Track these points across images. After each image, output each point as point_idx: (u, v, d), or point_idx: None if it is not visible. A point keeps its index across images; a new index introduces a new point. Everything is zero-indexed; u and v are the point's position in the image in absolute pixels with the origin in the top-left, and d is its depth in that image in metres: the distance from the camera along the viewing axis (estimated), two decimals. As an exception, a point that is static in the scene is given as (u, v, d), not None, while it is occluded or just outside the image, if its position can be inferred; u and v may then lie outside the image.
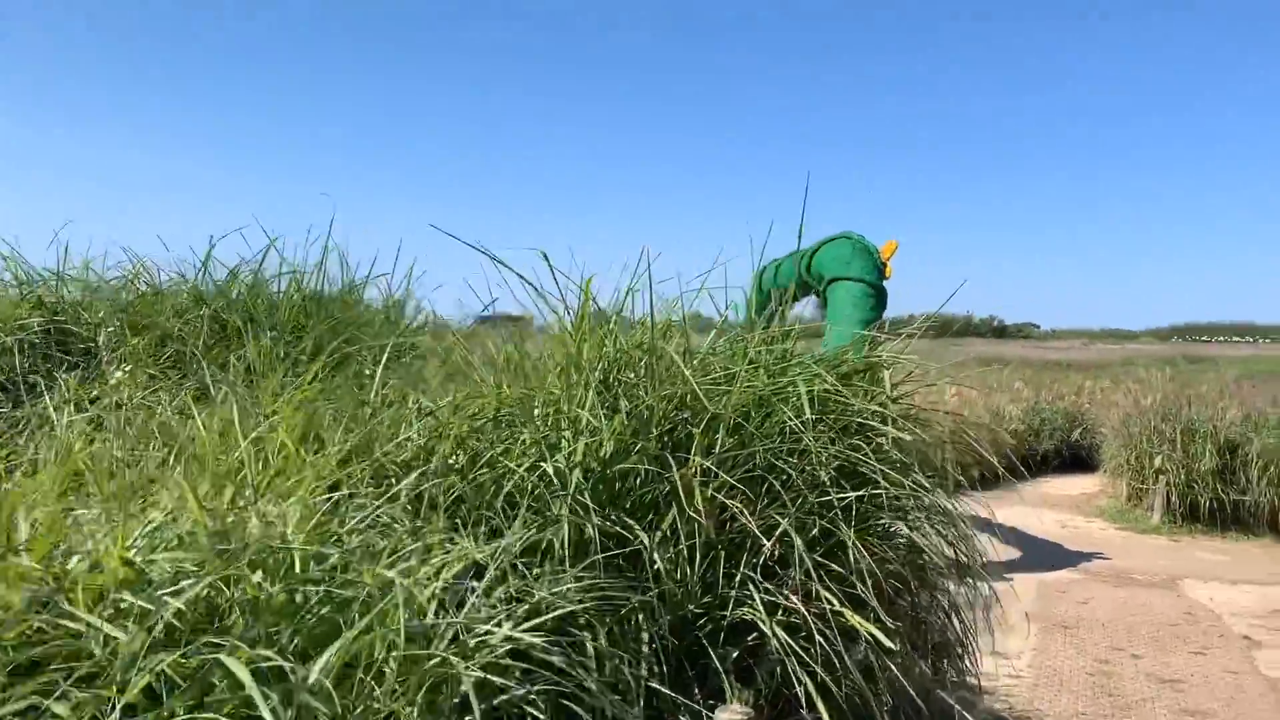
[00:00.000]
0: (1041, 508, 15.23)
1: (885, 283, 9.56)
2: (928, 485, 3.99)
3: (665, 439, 3.33)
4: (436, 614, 2.07)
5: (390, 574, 1.92)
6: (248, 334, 4.34)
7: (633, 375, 3.39)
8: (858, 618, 3.03)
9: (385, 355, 3.58)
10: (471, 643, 2.10)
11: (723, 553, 3.11)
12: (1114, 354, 60.69)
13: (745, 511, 3.04)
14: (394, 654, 1.83)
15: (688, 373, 3.21)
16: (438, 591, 2.16)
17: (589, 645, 2.64)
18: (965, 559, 4.23)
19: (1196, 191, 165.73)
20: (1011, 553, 11.01)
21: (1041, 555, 10.93)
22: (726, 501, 3.08)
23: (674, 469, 3.07)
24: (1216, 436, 13.39)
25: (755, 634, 3.14)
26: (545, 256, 3.34)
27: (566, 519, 2.80)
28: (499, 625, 2.17)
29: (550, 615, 2.32)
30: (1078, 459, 23.03)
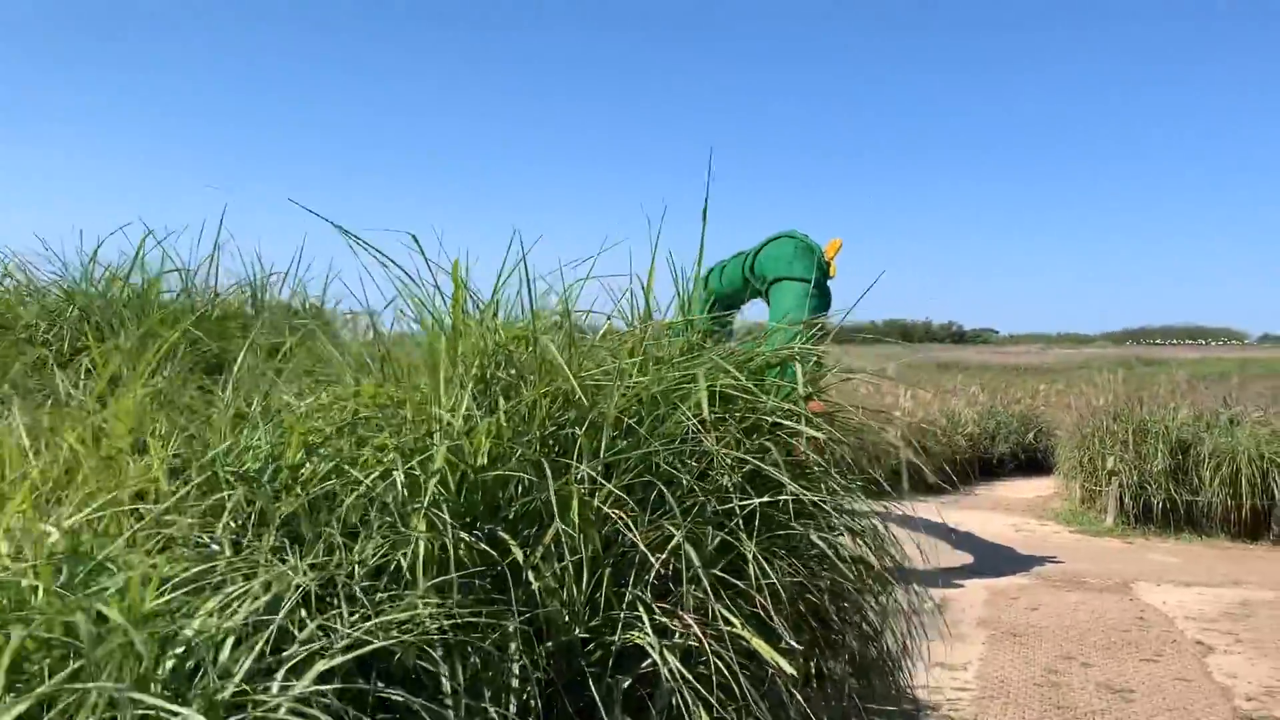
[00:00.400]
0: (995, 511, 15.08)
1: (829, 282, 9.29)
2: (850, 489, 3.64)
3: (550, 442, 2.98)
4: (215, 659, 1.69)
5: (109, 610, 1.52)
6: (115, 336, 3.94)
7: (514, 371, 3.04)
8: (759, 640, 2.69)
9: (243, 355, 3.20)
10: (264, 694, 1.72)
11: (609, 569, 2.76)
12: (1071, 358, 61.25)
13: (632, 523, 2.69)
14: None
15: (564, 366, 2.85)
16: (229, 628, 1.79)
17: (445, 682, 2.29)
18: (894, 567, 3.86)
19: (1151, 199, 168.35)
20: (963, 558, 10.77)
21: (994, 560, 10.69)
22: (611, 512, 2.73)
23: (553, 475, 2.71)
24: (1169, 436, 13.27)
25: (649, 660, 2.79)
26: (415, 239, 2.98)
27: (420, 535, 2.44)
28: (301, 668, 1.80)
29: (360, 652, 1.96)
30: (1033, 462, 22.97)
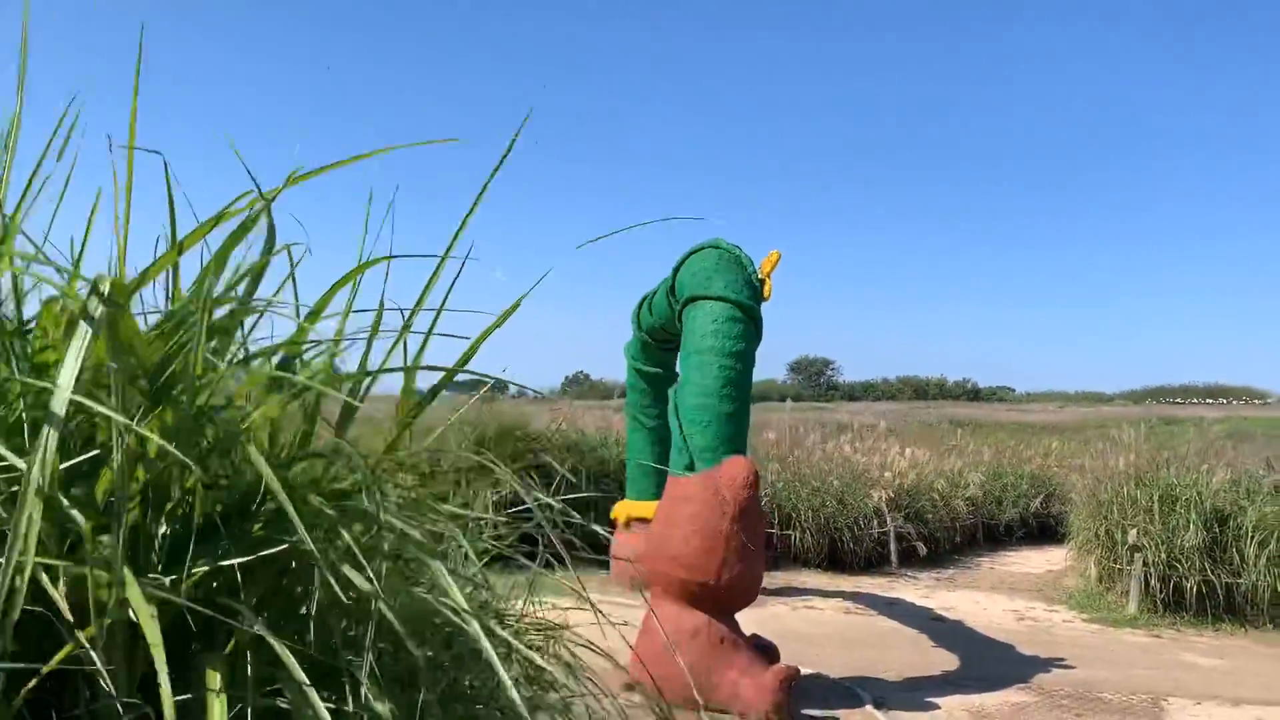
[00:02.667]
0: (996, 591, 12.77)
1: (762, 305, 7.20)
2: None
3: None
4: None
5: None
6: None
7: None
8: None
9: None
10: None
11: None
12: (1088, 417, 58.72)
13: None
14: None
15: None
16: None
17: None
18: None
19: (1170, 255, 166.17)
20: (944, 660, 8.49)
21: (984, 662, 8.42)
22: None
23: None
24: (1202, 505, 11.01)
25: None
26: None
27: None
28: None
29: None
30: (1045, 529, 20.59)
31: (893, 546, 14.37)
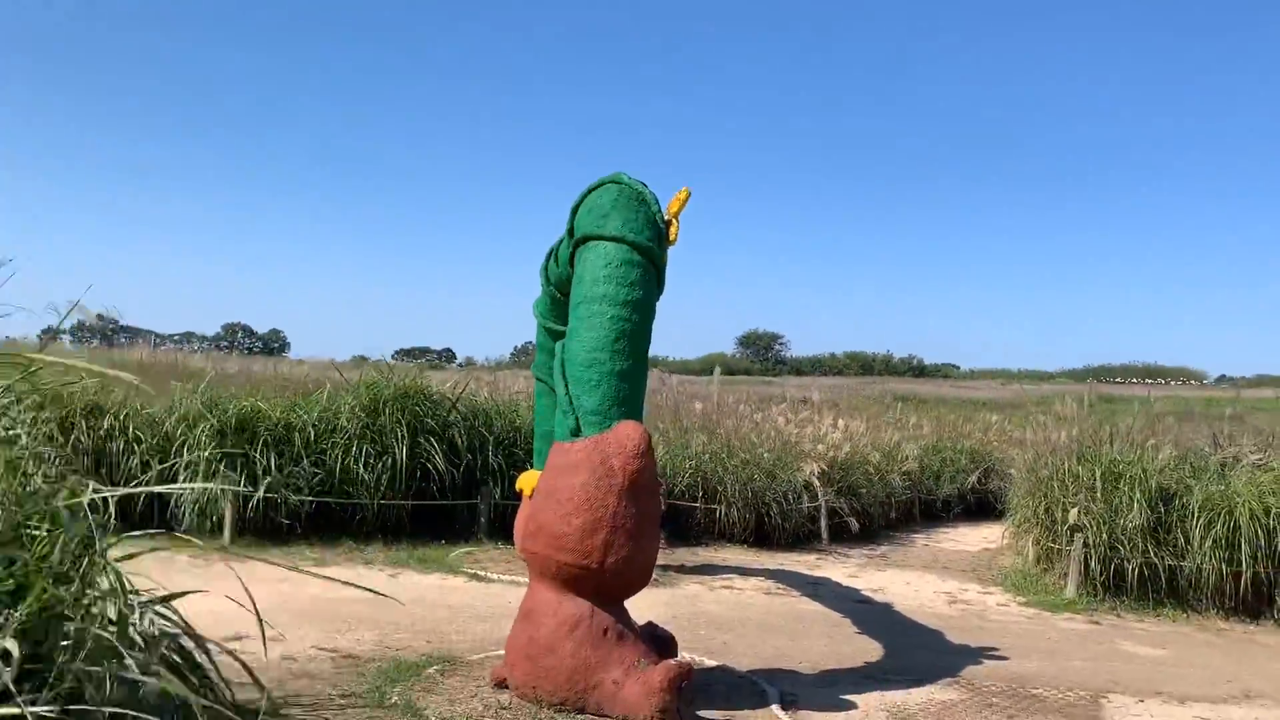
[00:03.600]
0: (930, 570, 12.09)
1: (667, 250, 6.30)
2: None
3: None
4: None
5: None
6: None
7: None
8: None
9: None
10: None
11: None
12: (1029, 394, 58.77)
13: None
14: None
15: None
16: None
17: None
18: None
19: (1114, 237, 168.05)
20: (866, 649, 7.73)
21: (910, 652, 7.68)
22: None
23: None
24: (1147, 483, 10.35)
25: None
26: None
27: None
28: None
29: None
30: (983, 505, 20.07)
31: (823, 522, 13.64)
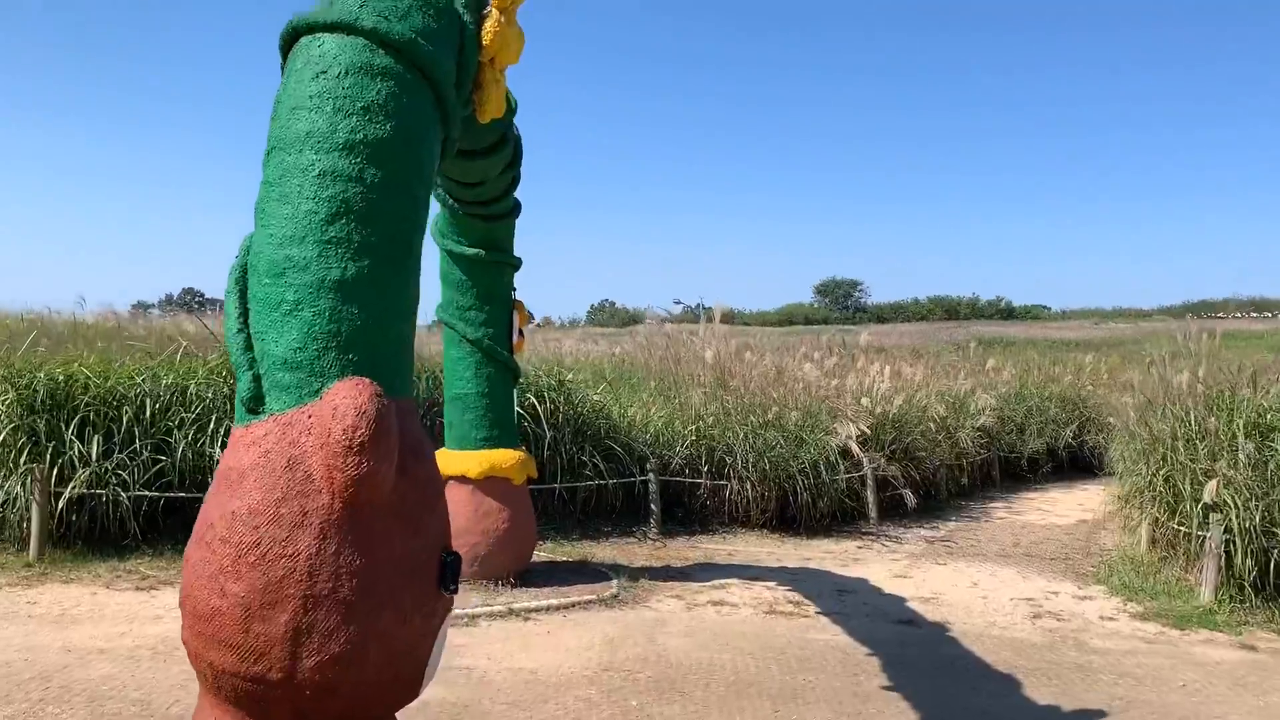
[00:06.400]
0: (1007, 561, 9.13)
1: (478, 58, 3.47)
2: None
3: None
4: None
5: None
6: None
7: None
8: None
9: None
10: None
11: None
12: (1126, 333, 54.23)
13: None
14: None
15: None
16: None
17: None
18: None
19: (1207, 165, 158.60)
20: (893, 710, 4.89)
21: (969, 711, 4.82)
22: None
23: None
24: (1318, 441, 7.26)
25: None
26: None
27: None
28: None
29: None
30: (1077, 461, 16.93)
31: (870, 497, 10.72)
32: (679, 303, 24.04)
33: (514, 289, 7.57)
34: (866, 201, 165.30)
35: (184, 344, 8.90)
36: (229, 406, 7.81)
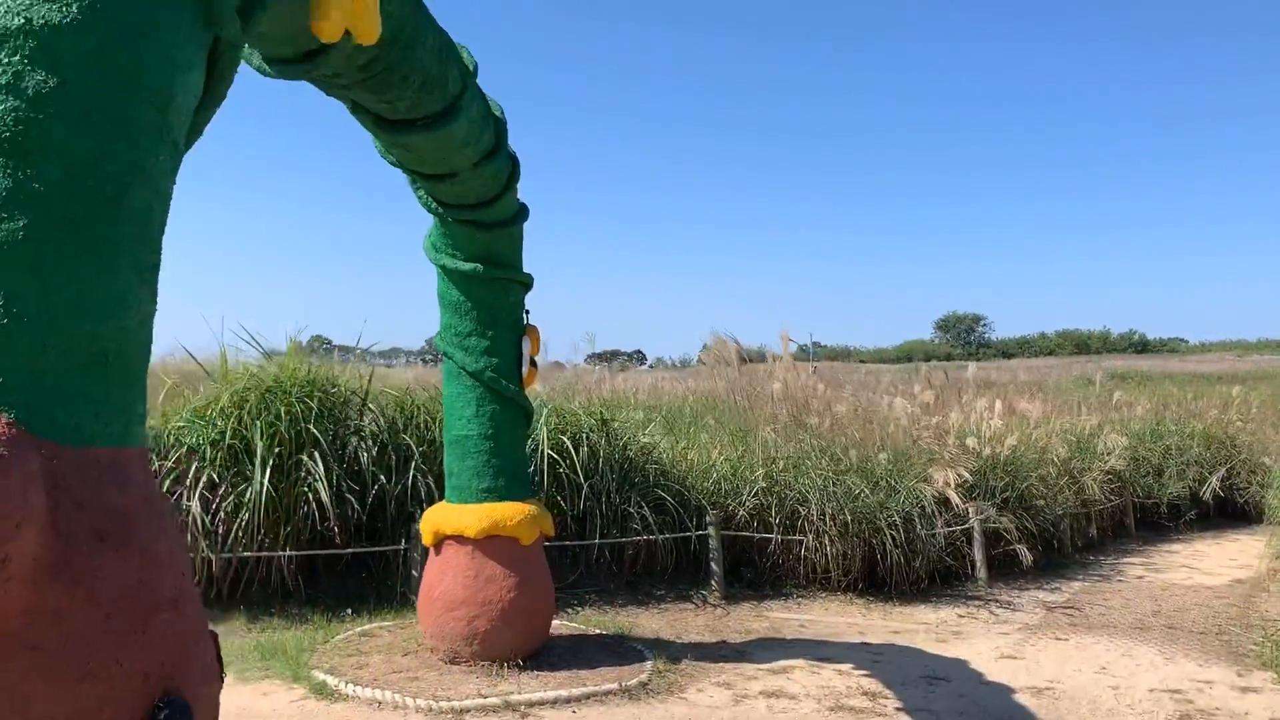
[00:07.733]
0: (1145, 635, 7.49)
1: None
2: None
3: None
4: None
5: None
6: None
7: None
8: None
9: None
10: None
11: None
12: (1276, 365, 50.14)
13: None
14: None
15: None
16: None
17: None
18: None
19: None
20: None
21: None
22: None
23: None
24: None
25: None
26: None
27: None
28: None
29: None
30: (1226, 507, 14.83)
31: (978, 555, 9.15)
32: (792, 340, 22.71)
33: (527, 311, 6.42)
34: (991, 232, 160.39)
35: (166, 382, 8.02)
36: (213, 452, 6.85)
